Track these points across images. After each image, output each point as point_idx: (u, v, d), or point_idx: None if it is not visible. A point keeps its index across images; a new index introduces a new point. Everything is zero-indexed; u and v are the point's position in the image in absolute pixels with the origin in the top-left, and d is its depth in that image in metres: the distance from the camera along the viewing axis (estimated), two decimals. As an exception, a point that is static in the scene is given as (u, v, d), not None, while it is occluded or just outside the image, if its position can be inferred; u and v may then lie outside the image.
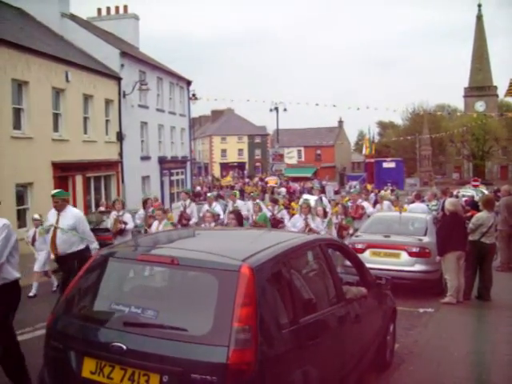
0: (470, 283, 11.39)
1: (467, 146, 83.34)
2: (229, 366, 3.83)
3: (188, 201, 17.23)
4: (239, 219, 10.51)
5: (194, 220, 16.40)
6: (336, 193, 48.51)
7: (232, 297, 4.04)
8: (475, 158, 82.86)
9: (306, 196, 19.68)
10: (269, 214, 15.57)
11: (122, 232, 13.83)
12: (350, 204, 16.71)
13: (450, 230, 11.01)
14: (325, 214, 13.97)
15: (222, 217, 16.09)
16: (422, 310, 10.68)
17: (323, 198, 18.91)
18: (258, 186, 49.82)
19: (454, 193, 29.94)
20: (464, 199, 24.82)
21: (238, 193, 25.70)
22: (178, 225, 15.76)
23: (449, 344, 8.52)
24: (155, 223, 12.16)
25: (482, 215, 11.55)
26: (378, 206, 19.44)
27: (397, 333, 7.87)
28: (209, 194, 20.38)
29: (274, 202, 17.11)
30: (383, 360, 7.13)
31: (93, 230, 12.32)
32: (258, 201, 16.61)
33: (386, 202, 19.59)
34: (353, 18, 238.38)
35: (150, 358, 4.01)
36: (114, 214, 14.33)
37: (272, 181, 54.85)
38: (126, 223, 13.93)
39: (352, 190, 19.84)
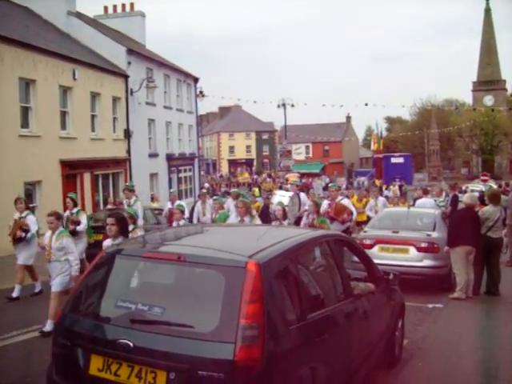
0: (478, 278, 11.34)
1: (476, 140, 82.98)
2: (236, 363, 3.82)
3: (133, 198, 14.68)
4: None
5: (138, 222, 13.48)
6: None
7: (239, 293, 4.03)
8: (484, 152, 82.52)
9: (280, 192, 17.31)
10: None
11: (75, 233, 12.16)
12: (328, 202, 13.77)
13: (463, 223, 10.97)
14: (284, 215, 11.57)
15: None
16: (430, 306, 10.64)
17: (301, 196, 16.34)
18: (276, 182, 49.36)
19: (463, 188, 29.86)
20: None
21: (257, 190, 25.67)
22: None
23: (458, 339, 8.49)
24: (48, 233, 9.39)
25: (487, 209, 11.49)
26: (371, 202, 18.63)
27: (405, 328, 7.84)
28: (232, 190, 19.99)
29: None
30: (392, 356, 7.10)
31: (101, 227, 12.38)
32: (215, 197, 15.69)
33: (381, 199, 19.04)
34: (360, 13, 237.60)
35: (157, 355, 4.00)
36: (67, 212, 12.73)
37: (292, 177, 54.68)
38: (79, 223, 12.41)
39: (330, 185, 16.57)
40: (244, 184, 52.52)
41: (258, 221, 11.57)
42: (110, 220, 8.00)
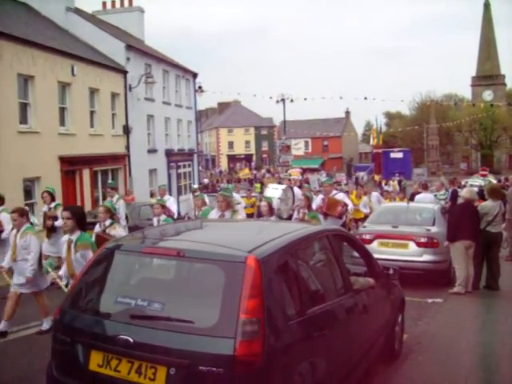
0: (477, 273, 11.35)
1: (475, 135, 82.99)
2: (236, 358, 3.82)
3: (116, 197, 14.35)
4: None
5: (121, 221, 13.30)
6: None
7: (238, 288, 4.03)
8: (483, 147, 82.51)
9: (272, 185, 16.47)
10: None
11: (54, 229, 11.77)
12: (321, 197, 13.28)
13: (462, 217, 10.98)
14: (271, 211, 10.92)
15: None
16: (430, 301, 10.65)
17: (295, 189, 15.89)
18: (276, 177, 49.30)
19: (462, 183, 29.88)
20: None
21: (259, 186, 25.33)
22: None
23: (458, 334, 8.50)
24: (13, 231, 8.97)
25: (487, 204, 11.50)
26: (365, 198, 17.88)
27: (405, 323, 7.85)
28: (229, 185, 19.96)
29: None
30: (392, 350, 7.11)
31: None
32: (198, 193, 15.15)
33: (374, 194, 18.44)
34: (358, 7, 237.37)
35: (157, 351, 4.01)
36: (45, 207, 12.22)
37: (295, 173, 54.58)
38: (56, 218, 11.71)
39: (324, 180, 15.73)
40: (245, 180, 52.18)
41: (239, 215, 11.15)
42: (65, 214, 7.53)
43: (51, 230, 11.85)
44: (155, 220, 12.04)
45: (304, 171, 61.50)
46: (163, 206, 12.15)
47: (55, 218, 11.74)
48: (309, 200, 11.64)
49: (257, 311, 3.98)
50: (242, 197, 19.78)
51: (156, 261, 4.82)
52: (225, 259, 4.26)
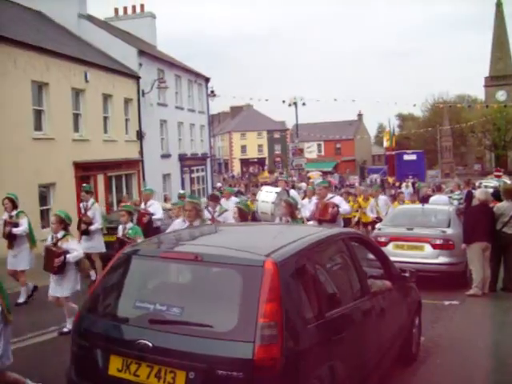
0: (494, 274, 11.27)
1: (489, 136, 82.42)
2: (255, 362, 3.83)
3: (91, 201, 13.06)
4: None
5: (96, 225, 12.69)
6: (347, 185, 47.29)
7: (257, 292, 4.03)
8: (497, 148, 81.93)
9: (266, 188, 15.21)
10: (208, 216, 12.24)
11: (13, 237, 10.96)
12: (314, 201, 12.33)
13: (478, 219, 10.93)
14: (243, 216, 9.69)
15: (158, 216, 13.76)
16: (447, 303, 10.59)
17: (292, 192, 14.83)
18: (289, 181, 49.10)
19: (477, 184, 29.70)
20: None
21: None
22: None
23: (475, 336, 8.44)
24: None
25: (502, 205, 11.42)
26: (372, 201, 17.38)
27: (422, 326, 7.81)
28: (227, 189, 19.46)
29: (215, 199, 12.77)
30: (409, 353, 7.08)
31: (114, 228, 12.34)
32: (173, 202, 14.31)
33: (381, 198, 17.63)
34: (370, 10, 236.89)
35: (176, 355, 4.02)
36: (5, 215, 11.12)
37: (315, 175, 54.29)
38: (16, 225, 10.86)
39: (317, 182, 14.31)
40: (264, 183, 51.86)
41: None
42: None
43: (9, 238, 10.94)
44: (120, 228, 10.68)
45: (325, 174, 61.41)
46: (130, 213, 10.74)
47: (16, 225, 10.82)
48: (291, 206, 9.93)
49: (275, 315, 3.98)
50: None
51: (173, 265, 4.83)
52: (242, 263, 4.27)
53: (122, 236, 10.46)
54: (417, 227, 12.36)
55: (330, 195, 11.94)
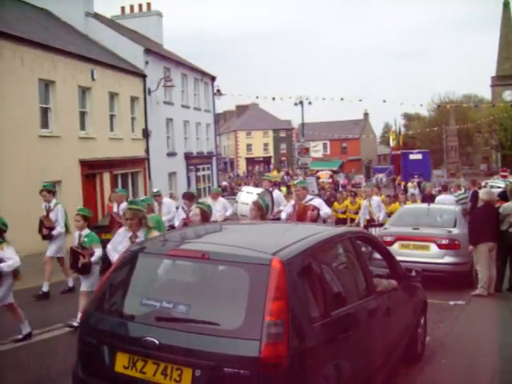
0: (500, 275, 11.26)
1: (495, 136, 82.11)
2: (261, 360, 3.83)
3: (53, 201, 11.81)
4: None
5: (58, 229, 11.54)
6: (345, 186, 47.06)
7: (263, 290, 4.04)
8: (503, 148, 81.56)
9: (246, 188, 14.22)
10: (183, 216, 11.98)
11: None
12: (292, 203, 11.36)
13: (484, 220, 10.92)
14: (205, 218, 8.43)
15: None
16: (452, 303, 10.58)
17: (275, 193, 13.50)
18: (294, 179, 48.96)
19: (483, 184, 29.63)
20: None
21: (285, 189, 24.69)
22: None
23: (480, 336, 8.44)
24: None
25: (508, 205, 11.40)
26: (364, 202, 17.09)
27: (428, 325, 7.81)
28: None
29: (190, 198, 12.11)
30: (415, 353, 7.08)
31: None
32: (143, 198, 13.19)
33: (375, 198, 16.89)
34: (375, 10, 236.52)
35: (183, 353, 4.03)
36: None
37: (323, 174, 54.17)
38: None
39: (296, 182, 13.04)
40: (274, 183, 51.48)
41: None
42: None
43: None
44: (76, 236, 9.29)
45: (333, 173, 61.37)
46: (85, 219, 9.28)
47: None
48: (261, 209, 9.00)
49: (281, 313, 3.99)
50: None
51: (180, 263, 4.84)
52: (249, 261, 4.27)
53: (76, 246, 8.93)
54: (423, 227, 12.36)
55: (309, 197, 11.23)
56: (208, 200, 15.43)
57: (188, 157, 34.22)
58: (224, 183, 47.74)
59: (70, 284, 11.76)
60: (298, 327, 4.11)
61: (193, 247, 4.97)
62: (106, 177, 24.51)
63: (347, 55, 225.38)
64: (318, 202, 11.13)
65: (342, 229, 6.30)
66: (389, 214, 16.30)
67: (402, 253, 11.32)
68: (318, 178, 52.57)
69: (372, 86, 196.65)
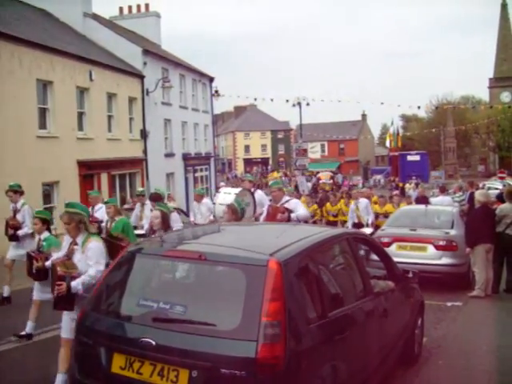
0: (496, 276, 11.27)
1: (493, 137, 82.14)
2: (258, 361, 3.84)
3: (20, 202, 11.20)
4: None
5: (25, 230, 10.84)
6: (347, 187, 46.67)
7: (260, 291, 4.05)
8: (501, 149, 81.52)
9: (224, 189, 13.35)
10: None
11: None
12: (267, 205, 10.89)
13: (481, 221, 10.93)
14: (165, 223, 7.86)
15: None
16: (449, 304, 10.59)
17: (257, 194, 12.44)
18: (292, 181, 48.73)
19: (480, 185, 29.67)
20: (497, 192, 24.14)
21: (292, 188, 24.28)
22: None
23: (478, 338, 8.44)
24: None
25: (505, 206, 11.42)
26: (352, 205, 16.35)
27: (425, 327, 7.82)
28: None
29: (157, 199, 11.09)
30: (411, 354, 7.09)
31: None
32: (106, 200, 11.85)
33: (362, 201, 16.27)
34: (374, 12, 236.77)
35: (179, 354, 4.03)
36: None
37: (324, 176, 53.89)
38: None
39: (271, 183, 12.32)
40: None
41: (94, 243, 6.26)
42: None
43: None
44: (36, 239, 8.77)
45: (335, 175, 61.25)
46: (44, 222, 8.57)
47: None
48: (235, 213, 8.50)
49: (278, 314, 3.99)
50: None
51: (177, 264, 4.84)
52: (246, 262, 4.28)
53: (33, 250, 8.27)
54: (420, 228, 12.37)
55: (285, 198, 10.60)
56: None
57: (186, 158, 34.22)
58: (222, 184, 47.70)
59: (6, 293, 10.92)
60: (295, 328, 4.12)
61: (190, 248, 4.97)
62: (104, 177, 24.50)
63: (345, 56, 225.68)
64: (294, 203, 10.56)
65: (339, 230, 6.32)
66: (385, 215, 16.30)
67: (400, 254, 11.32)
68: (319, 178, 52.50)
69: (370, 87, 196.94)
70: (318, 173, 60.53)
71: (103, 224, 11.04)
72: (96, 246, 6.18)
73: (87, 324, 4.71)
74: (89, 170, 23.07)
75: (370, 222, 15.76)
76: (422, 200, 19.93)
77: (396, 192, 26.58)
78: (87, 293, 5.56)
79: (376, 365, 5.54)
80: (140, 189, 15.83)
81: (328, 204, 19.03)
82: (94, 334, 4.57)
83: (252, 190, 12.43)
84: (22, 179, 17.95)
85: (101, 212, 12.13)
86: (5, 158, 17.83)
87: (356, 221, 15.87)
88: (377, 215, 16.86)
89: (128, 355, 4.25)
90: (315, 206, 18.91)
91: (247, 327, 3.96)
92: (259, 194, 12.60)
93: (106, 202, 10.40)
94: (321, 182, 46.42)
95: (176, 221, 10.10)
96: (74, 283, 5.80)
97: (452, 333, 8.80)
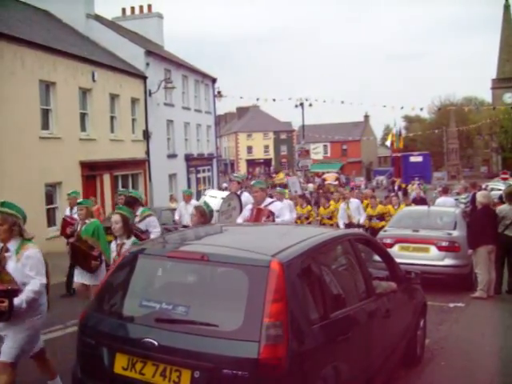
0: (498, 277, 11.26)
1: (495, 138, 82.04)
2: (260, 362, 3.84)
3: None
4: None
5: None
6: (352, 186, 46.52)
7: (262, 292, 4.05)
8: (504, 150, 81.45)
9: (210, 192, 12.56)
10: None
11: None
12: (249, 207, 9.90)
13: (483, 223, 10.91)
14: (126, 228, 7.36)
15: None
16: (452, 305, 10.58)
17: (244, 196, 11.52)
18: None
19: (483, 186, 29.63)
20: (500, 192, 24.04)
21: (287, 192, 24.04)
22: None
23: (480, 339, 8.43)
24: None
25: (504, 207, 11.42)
26: (342, 205, 15.93)
27: (427, 328, 7.81)
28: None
29: (132, 204, 9.91)
30: (414, 355, 7.08)
31: None
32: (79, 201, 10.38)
33: (353, 201, 15.94)
34: (377, 13, 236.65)
35: (182, 354, 4.04)
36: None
37: (331, 177, 53.77)
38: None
39: (253, 183, 11.55)
40: (279, 185, 50.96)
41: (32, 251, 5.59)
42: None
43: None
44: None
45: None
46: None
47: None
48: (204, 216, 7.94)
49: (280, 315, 3.99)
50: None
51: (180, 265, 4.84)
52: (249, 263, 4.29)
53: None
54: (423, 229, 12.35)
55: (268, 200, 9.96)
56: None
57: (188, 158, 34.25)
58: (224, 185, 47.69)
59: None
60: (297, 329, 4.12)
61: (192, 249, 4.98)
62: (107, 178, 24.53)
63: (348, 57, 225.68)
64: (277, 206, 9.94)
65: (341, 231, 6.32)
66: (378, 217, 16.20)
67: (402, 255, 11.30)
68: (325, 180, 52.52)
69: (372, 88, 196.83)
70: (323, 174, 60.54)
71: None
72: (35, 254, 5.55)
73: (90, 324, 4.71)
74: (91, 171, 23.10)
75: (361, 221, 15.57)
76: (420, 201, 19.84)
77: (393, 193, 26.48)
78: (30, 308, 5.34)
79: (378, 366, 5.54)
80: (122, 189, 14.88)
81: (321, 208, 18.71)
82: (96, 334, 4.58)
83: (238, 192, 11.79)
84: (25, 180, 18.09)
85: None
86: (7, 159, 17.87)
87: (347, 221, 15.55)
88: (370, 217, 16.76)
89: (130, 356, 4.26)
90: (309, 208, 18.69)
91: (249, 328, 3.96)
92: (246, 197, 11.73)
93: (79, 203, 9.57)
94: (326, 183, 46.42)
95: (154, 226, 9.62)
96: (17, 301, 5.22)
97: (454, 334, 8.79)
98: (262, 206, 9.51)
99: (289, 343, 3.95)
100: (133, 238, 7.30)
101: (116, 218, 7.36)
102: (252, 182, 11.97)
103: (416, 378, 6.79)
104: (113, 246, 7.47)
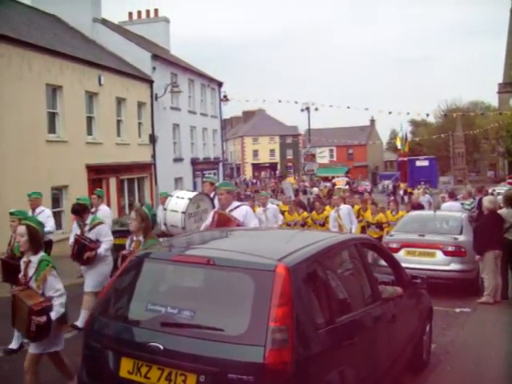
0: (504, 282, 11.21)
1: (502, 142, 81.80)
2: (266, 366, 3.83)
3: None
4: None
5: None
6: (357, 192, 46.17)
7: (268, 297, 4.04)
8: (510, 155, 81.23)
9: (177, 193, 11.70)
10: (76, 232, 9.38)
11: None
12: (213, 212, 9.02)
13: (489, 228, 10.88)
14: (34, 243, 6.17)
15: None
16: (458, 310, 10.55)
17: (242, 209, 9.11)
18: (301, 186, 48.41)
19: (490, 191, 29.54)
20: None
21: (268, 193, 23.87)
22: None
23: (486, 344, 8.40)
24: None
25: (502, 211, 11.43)
26: (332, 213, 14.71)
27: (433, 333, 7.79)
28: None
29: (82, 212, 9.35)
30: (420, 360, 7.06)
31: (126, 231, 11.86)
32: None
33: (344, 207, 14.79)
34: (383, 17, 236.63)
35: (187, 358, 4.03)
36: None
37: (340, 182, 53.57)
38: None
39: (218, 184, 10.19)
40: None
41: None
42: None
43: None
44: None
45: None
46: None
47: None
48: (145, 220, 7.20)
49: (286, 319, 3.99)
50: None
51: (185, 269, 4.84)
52: (254, 267, 4.28)
53: None
54: (429, 234, 12.33)
55: (235, 203, 8.81)
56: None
57: (194, 162, 34.29)
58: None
59: None
60: (303, 333, 4.11)
61: (198, 253, 4.97)
62: (113, 182, 24.57)
63: (355, 61, 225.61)
64: (243, 210, 8.68)
65: (347, 235, 6.31)
66: (377, 225, 15.65)
67: (408, 260, 11.29)
68: (334, 184, 52.42)
69: (378, 92, 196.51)
70: (333, 178, 60.45)
71: (45, 228, 8.90)
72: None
73: (95, 328, 4.71)
74: (97, 175, 23.14)
75: (353, 230, 14.15)
76: (418, 207, 19.47)
77: (392, 198, 26.19)
78: None
79: (384, 371, 5.52)
80: (98, 188, 14.05)
81: (314, 213, 17.20)
82: (102, 338, 4.58)
83: (212, 194, 10.95)
84: (32, 183, 18.09)
85: (42, 216, 11.00)
86: (14, 162, 17.92)
87: (337, 230, 13.99)
88: (368, 225, 15.83)
89: (136, 359, 4.25)
90: (305, 214, 17.86)
91: (255, 332, 3.95)
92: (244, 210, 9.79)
93: (11, 214, 8.51)
94: (336, 187, 46.31)
95: (104, 235, 9.10)
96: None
97: (461, 339, 8.75)
98: (227, 210, 8.54)
99: (294, 348, 3.94)
100: (41, 254, 6.04)
101: (21, 230, 6.02)
102: (217, 184, 10.43)
103: (422, 383, 6.76)
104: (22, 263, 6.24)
